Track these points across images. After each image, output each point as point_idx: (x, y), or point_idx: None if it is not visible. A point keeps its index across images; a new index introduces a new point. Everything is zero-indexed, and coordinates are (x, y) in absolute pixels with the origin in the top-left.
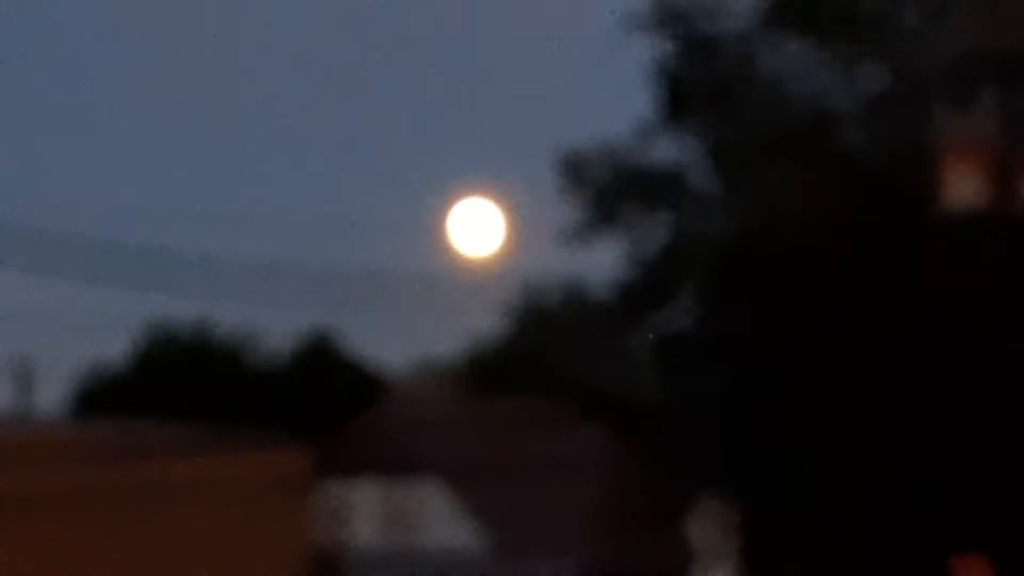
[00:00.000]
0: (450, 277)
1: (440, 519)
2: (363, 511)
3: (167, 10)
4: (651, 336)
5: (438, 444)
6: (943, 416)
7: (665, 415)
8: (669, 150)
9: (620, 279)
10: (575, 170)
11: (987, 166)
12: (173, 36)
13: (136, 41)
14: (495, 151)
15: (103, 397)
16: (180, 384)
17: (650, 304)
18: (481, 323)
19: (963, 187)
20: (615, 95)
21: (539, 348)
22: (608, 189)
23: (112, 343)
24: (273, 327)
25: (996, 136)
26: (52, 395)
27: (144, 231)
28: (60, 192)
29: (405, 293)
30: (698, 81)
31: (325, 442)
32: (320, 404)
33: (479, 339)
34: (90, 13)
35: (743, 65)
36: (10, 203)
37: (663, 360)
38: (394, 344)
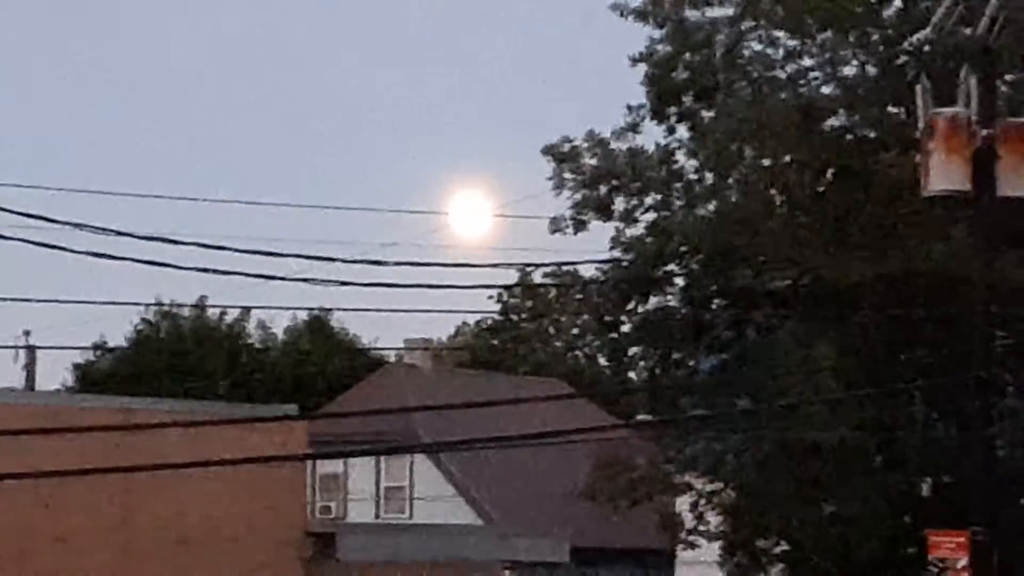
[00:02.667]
0: (445, 259)
1: (433, 495)
2: (356, 486)
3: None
4: (640, 317)
5: (431, 421)
6: (922, 389)
7: (653, 395)
8: (657, 136)
9: (610, 263)
10: (566, 158)
11: (966, 152)
12: (192, 39)
13: (158, 38)
14: (490, 140)
15: (103, 375)
16: (178, 362)
17: (639, 287)
18: (475, 304)
19: (941, 172)
20: (605, 82)
21: (531, 329)
22: (598, 176)
23: (114, 322)
24: (270, 306)
25: (975, 122)
26: (54, 373)
27: (146, 211)
28: (67, 171)
29: (401, 274)
30: (686, 68)
31: (320, 419)
32: (315, 382)
33: (473, 320)
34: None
35: (730, 52)
36: (16, 182)
37: (651, 341)
38: (389, 324)
